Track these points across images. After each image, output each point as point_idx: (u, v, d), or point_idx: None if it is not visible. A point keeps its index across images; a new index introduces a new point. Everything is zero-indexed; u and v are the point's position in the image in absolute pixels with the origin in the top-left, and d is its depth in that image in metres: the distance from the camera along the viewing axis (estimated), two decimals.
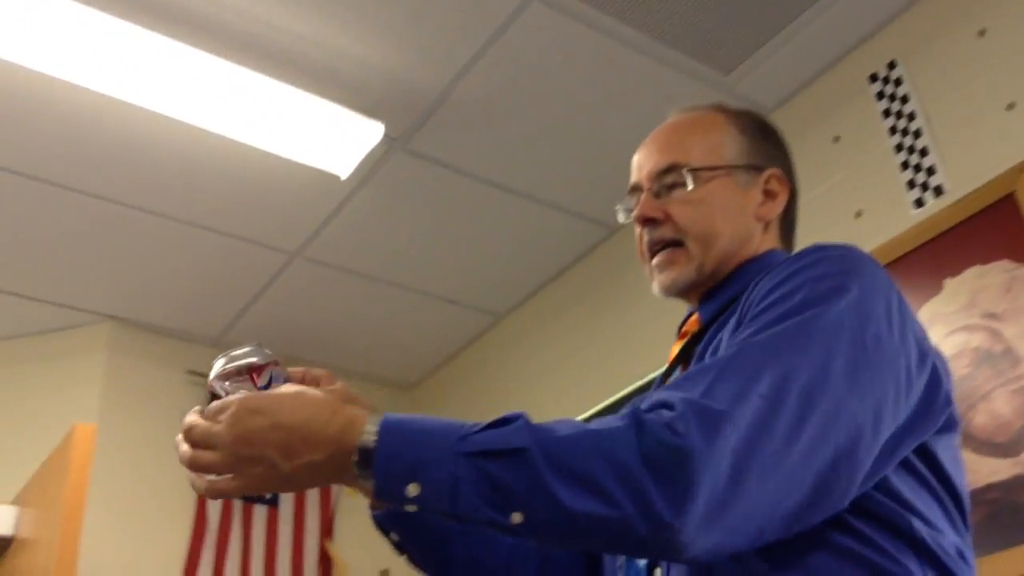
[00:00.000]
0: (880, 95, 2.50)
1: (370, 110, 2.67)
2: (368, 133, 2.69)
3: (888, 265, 2.28)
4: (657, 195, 1.13)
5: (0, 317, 3.47)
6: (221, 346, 3.75)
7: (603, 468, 0.75)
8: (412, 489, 0.77)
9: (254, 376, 0.90)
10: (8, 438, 3.40)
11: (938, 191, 2.30)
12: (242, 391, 0.88)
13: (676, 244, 1.10)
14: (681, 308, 1.18)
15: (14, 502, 3.07)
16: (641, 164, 1.17)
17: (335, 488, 3.75)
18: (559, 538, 0.78)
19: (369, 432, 0.79)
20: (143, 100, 2.54)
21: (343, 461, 0.80)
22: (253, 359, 0.92)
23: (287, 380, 0.92)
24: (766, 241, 1.14)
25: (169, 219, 3.08)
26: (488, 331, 3.76)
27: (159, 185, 2.93)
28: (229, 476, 0.83)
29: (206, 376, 3.43)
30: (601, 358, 3.18)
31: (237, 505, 3.53)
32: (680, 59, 2.58)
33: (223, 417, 0.83)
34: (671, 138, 1.17)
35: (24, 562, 2.86)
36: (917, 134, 2.38)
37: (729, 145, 1.15)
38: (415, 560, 1.10)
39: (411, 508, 0.78)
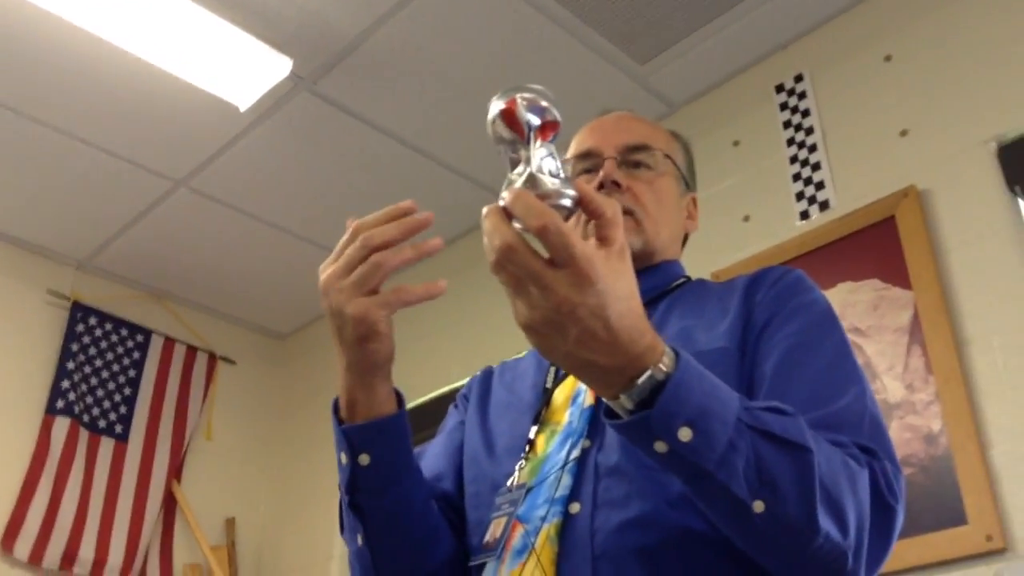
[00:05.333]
0: (783, 106, 2.58)
1: (280, 44, 2.59)
2: (275, 67, 2.61)
3: None
4: (619, 167, 1.15)
5: None
6: (87, 269, 3.60)
7: (851, 502, 0.79)
8: (684, 433, 0.72)
9: (550, 128, 0.76)
10: None
11: (824, 206, 2.40)
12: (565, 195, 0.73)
13: (627, 214, 1.12)
14: None
15: None
16: (607, 135, 1.18)
17: (189, 428, 3.65)
18: (778, 537, 0.77)
19: (666, 364, 0.73)
20: None
21: (622, 378, 0.73)
22: (554, 117, 0.76)
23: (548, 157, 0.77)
24: (679, 251, 1.22)
25: (49, 128, 2.92)
26: None
27: (42, 90, 2.77)
28: (522, 305, 0.71)
29: (68, 299, 3.25)
30: (475, 332, 3.18)
31: (83, 435, 3.39)
32: (600, 42, 2.60)
33: (566, 270, 0.69)
34: (640, 124, 1.22)
35: None
36: (812, 148, 2.47)
37: (679, 155, 1.23)
38: (364, 497, 0.94)
39: (661, 448, 0.73)
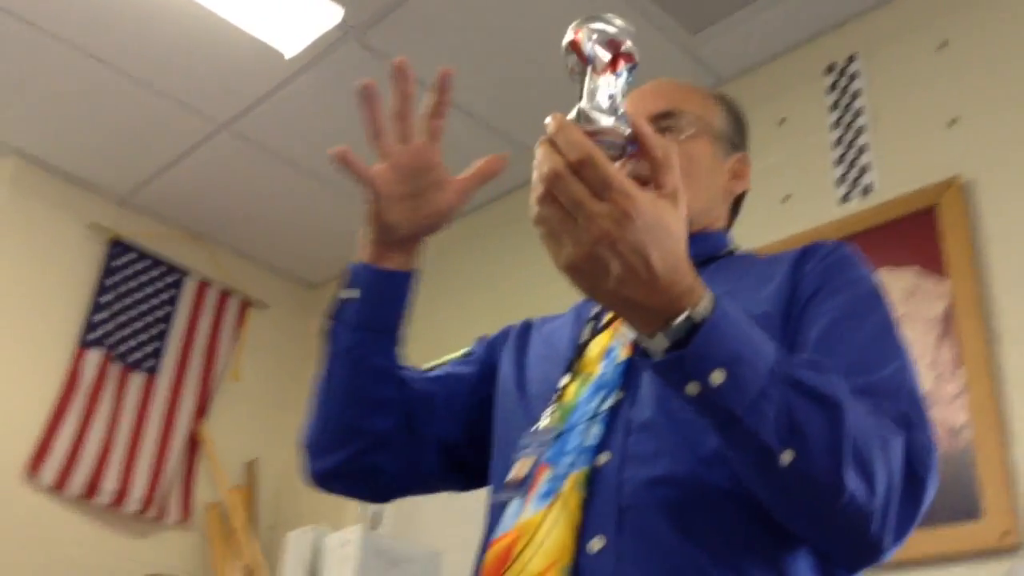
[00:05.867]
0: (833, 87, 2.55)
1: None
2: (326, 15, 2.61)
3: None
4: None
5: None
6: (127, 206, 3.64)
7: (881, 465, 0.79)
8: (717, 376, 0.74)
9: (618, 62, 0.76)
10: None
11: (866, 190, 2.37)
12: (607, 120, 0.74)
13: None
14: None
15: None
16: (636, 104, 1.16)
17: (218, 368, 3.70)
18: (803, 492, 0.78)
19: (704, 308, 0.74)
20: None
21: (660, 317, 0.74)
22: (627, 47, 0.77)
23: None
24: (722, 218, 1.19)
25: (101, 62, 2.95)
26: None
27: (97, 25, 2.80)
28: (567, 241, 0.72)
29: (107, 233, 3.29)
30: (504, 294, 3.19)
31: (114, 367, 3.45)
32: (652, 8, 2.57)
33: (607, 204, 0.70)
34: (669, 89, 1.20)
35: None
36: (859, 131, 2.44)
37: (718, 116, 1.19)
38: (338, 327, 1.06)
39: (692, 391, 0.75)
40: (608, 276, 0.72)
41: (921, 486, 0.83)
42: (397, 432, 1.09)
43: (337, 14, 2.60)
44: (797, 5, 2.54)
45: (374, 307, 1.06)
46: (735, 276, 1.05)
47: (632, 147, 0.74)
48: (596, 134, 0.72)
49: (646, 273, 0.72)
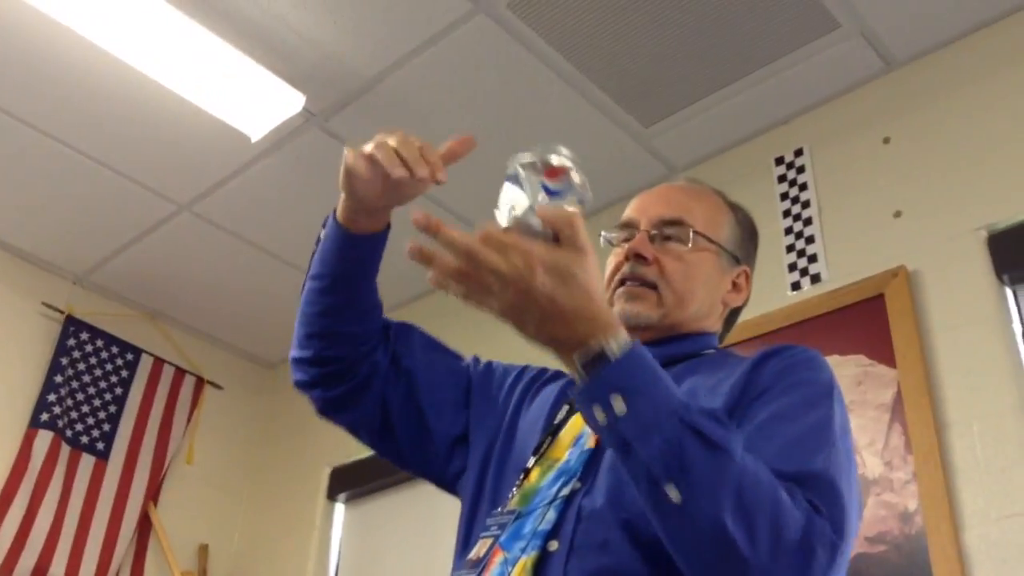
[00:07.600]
0: (782, 178, 2.63)
1: (295, 80, 2.64)
2: (288, 102, 2.66)
3: (758, 338, 2.39)
4: (652, 240, 1.19)
5: None
6: (84, 285, 3.61)
7: (765, 522, 0.82)
8: (618, 403, 0.82)
9: (549, 176, 0.92)
10: None
11: (815, 279, 2.43)
12: (525, 201, 0.89)
13: (651, 287, 1.17)
14: None
15: None
16: (646, 206, 1.23)
17: (171, 451, 3.65)
18: (686, 532, 0.82)
19: (618, 345, 0.84)
20: (56, 13, 2.44)
21: (578, 348, 0.84)
22: (557, 161, 0.94)
23: (565, 191, 0.91)
24: (714, 324, 1.24)
25: (60, 143, 2.96)
26: None
27: (55, 105, 2.82)
28: (491, 302, 0.84)
29: (63, 312, 3.23)
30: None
31: (64, 450, 3.38)
32: (606, 102, 2.65)
33: (518, 260, 0.82)
34: (682, 197, 1.25)
35: None
36: (807, 222, 2.52)
37: (726, 230, 1.25)
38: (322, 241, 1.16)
39: (600, 417, 0.83)
40: (531, 320, 0.84)
41: (813, 556, 0.84)
42: (347, 362, 1.18)
43: (298, 100, 2.65)
44: (747, 100, 2.64)
45: (333, 254, 1.15)
46: (706, 373, 1.09)
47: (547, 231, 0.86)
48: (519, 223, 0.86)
49: (558, 311, 0.83)
